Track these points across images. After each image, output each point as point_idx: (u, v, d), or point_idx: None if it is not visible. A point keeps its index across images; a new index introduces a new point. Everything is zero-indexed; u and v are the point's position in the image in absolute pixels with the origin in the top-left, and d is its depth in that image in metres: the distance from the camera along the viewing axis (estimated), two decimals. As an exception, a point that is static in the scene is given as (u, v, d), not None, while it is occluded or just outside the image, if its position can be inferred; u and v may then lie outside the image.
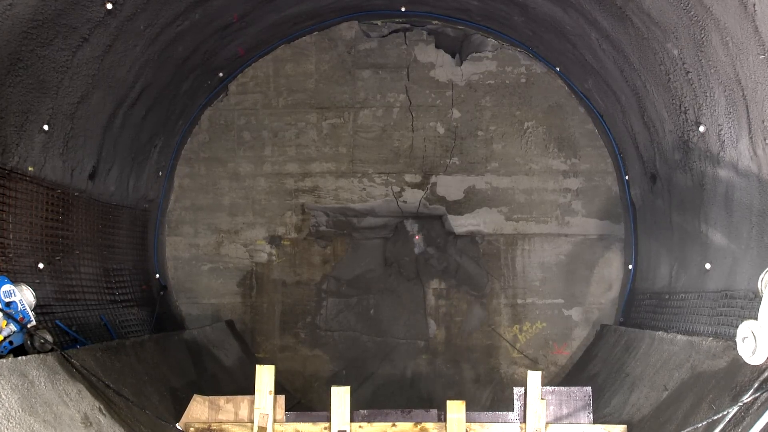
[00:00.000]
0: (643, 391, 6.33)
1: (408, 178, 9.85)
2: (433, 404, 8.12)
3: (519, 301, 9.63)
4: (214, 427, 5.88)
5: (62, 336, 6.25)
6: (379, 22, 9.79)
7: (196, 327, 8.91)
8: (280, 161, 9.84)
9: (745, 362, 4.45)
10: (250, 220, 9.83)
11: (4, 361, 4.53)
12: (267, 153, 9.84)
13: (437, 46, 9.83)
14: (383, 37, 9.85)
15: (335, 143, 9.86)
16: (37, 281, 6.16)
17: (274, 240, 9.82)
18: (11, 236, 5.97)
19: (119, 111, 7.25)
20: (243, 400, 5.89)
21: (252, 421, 5.79)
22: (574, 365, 9.29)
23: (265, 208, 9.84)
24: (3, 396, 4.30)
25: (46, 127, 6.12)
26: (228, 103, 9.77)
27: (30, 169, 6.10)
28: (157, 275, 9.19)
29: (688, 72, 6.06)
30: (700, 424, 4.67)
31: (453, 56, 9.82)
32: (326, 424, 5.85)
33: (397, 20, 9.74)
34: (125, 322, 7.72)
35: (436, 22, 9.69)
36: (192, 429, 5.89)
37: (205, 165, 9.79)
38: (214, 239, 9.80)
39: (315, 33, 9.78)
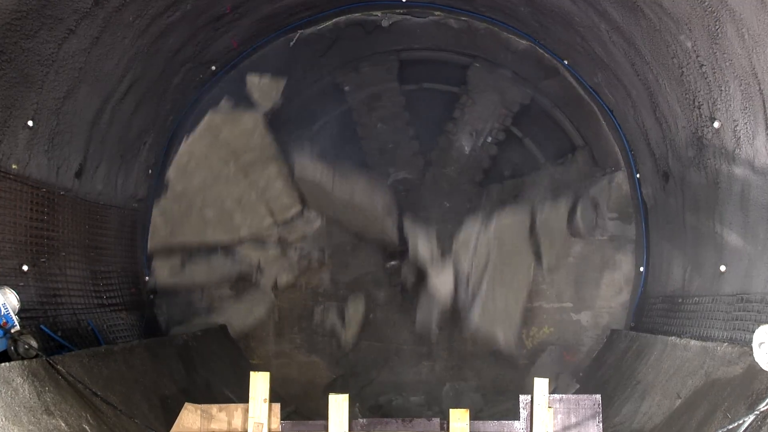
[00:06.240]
0: (655, 399, 6.25)
1: (405, 177, 9.72)
2: (435, 412, 8.03)
3: (526, 305, 9.44)
4: (206, 437, 5.74)
5: (47, 341, 6.07)
6: (378, 13, 9.57)
7: (188, 332, 8.71)
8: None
9: (761, 369, 4.39)
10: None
11: (-14, 368, 4.40)
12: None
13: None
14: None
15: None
16: (21, 284, 5.99)
17: (270, 240, 9.66)
18: (-6, 237, 5.80)
19: (107, 106, 7.10)
20: (236, 409, 5.74)
21: (246, 431, 5.62)
22: (583, 372, 9.10)
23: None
24: (-15, 404, 4.16)
25: (30, 123, 5.95)
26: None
27: (14, 166, 5.93)
28: (147, 278, 9.01)
29: (702, 65, 5.93)
30: (716, 434, 4.56)
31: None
32: (324, 434, 5.71)
33: (398, 11, 9.53)
34: (113, 326, 7.56)
35: (438, 13, 9.48)
36: (183, 439, 5.72)
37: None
38: (207, 240, 9.61)
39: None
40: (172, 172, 8.86)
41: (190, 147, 8.89)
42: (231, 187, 9.11)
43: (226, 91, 9.12)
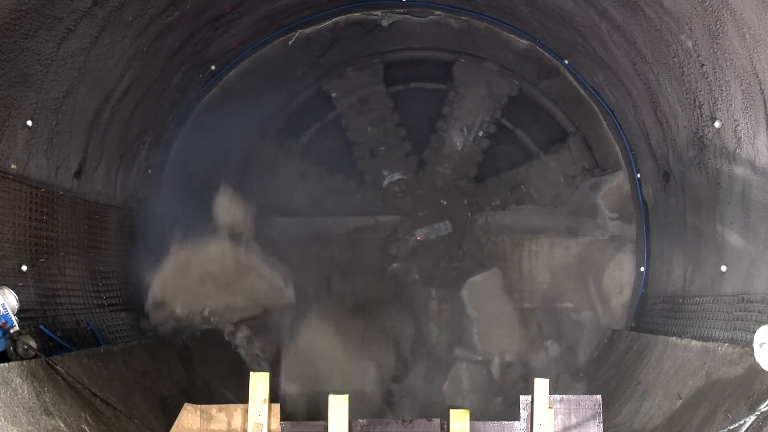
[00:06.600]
0: (655, 400, 6.22)
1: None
2: (435, 414, 8.00)
3: (526, 306, 9.42)
4: (205, 438, 5.71)
5: (47, 342, 6.05)
6: (379, 13, 9.55)
7: (188, 332, 8.67)
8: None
9: (762, 369, 4.39)
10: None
11: (-14, 368, 4.38)
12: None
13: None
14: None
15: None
16: (20, 284, 5.96)
17: (269, 242, 9.61)
18: (-7, 237, 5.77)
19: (106, 106, 7.06)
20: (236, 409, 5.72)
21: (246, 431, 5.60)
22: (583, 372, 9.07)
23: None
24: (-16, 405, 4.14)
25: (29, 123, 5.92)
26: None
27: (13, 166, 5.90)
28: None
29: (703, 65, 5.92)
30: (716, 435, 4.54)
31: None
32: (324, 435, 5.68)
33: (398, 11, 9.52)
34: (113, 327, 7.52)
35: (438, 12, 9.47)
36: (182, 439, 5.69)
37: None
38: (206, 241, 9.55)
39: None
40: (149, 307, 8.35)
41: (162, 283, 8.37)
42: (216, 299, 8.79)
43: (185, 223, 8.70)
